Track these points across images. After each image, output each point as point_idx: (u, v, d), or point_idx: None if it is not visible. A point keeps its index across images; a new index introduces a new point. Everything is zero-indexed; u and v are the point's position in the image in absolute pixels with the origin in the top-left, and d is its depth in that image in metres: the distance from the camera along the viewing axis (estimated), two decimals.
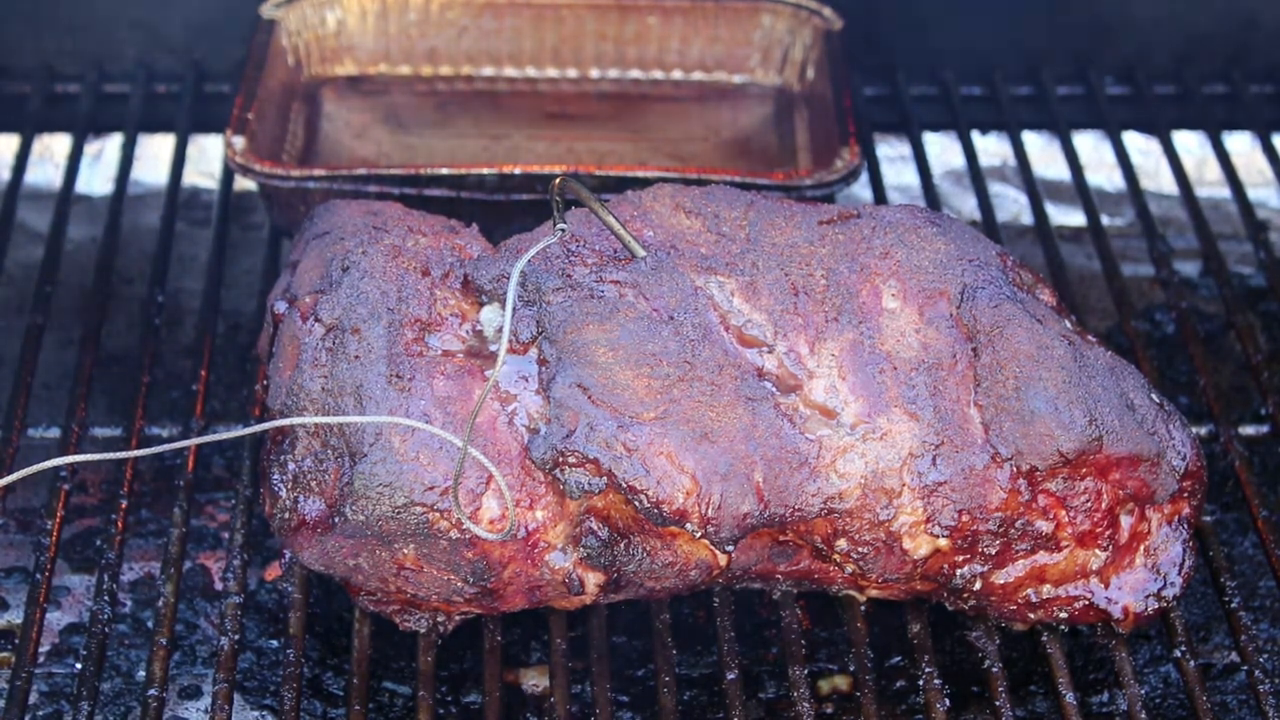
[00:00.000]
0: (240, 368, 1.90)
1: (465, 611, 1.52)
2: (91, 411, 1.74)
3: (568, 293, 1.47)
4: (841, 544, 1.45)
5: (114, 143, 2.15)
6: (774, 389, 1.44)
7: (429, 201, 1.79)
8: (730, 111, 2.09)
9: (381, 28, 2.09)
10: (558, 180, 1.50)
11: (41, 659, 1.60)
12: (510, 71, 2.12)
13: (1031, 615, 1.51)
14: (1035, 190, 2.01)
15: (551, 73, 2.12)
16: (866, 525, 1.43)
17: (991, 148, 2.24)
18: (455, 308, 1.50)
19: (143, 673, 1.57)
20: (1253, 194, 2.13)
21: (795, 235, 1.53)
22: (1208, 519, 1.64)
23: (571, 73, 2.12)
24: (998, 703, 1.49)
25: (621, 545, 1.43)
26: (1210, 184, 2.20)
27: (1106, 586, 1.50)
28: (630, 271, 1.49)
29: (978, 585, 1.48)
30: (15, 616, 1.63)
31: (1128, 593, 1.50)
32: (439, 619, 1.52)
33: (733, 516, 1.40)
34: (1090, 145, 2.22)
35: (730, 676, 1.51)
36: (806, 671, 1.51)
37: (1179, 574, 1.51)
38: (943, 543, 1.44)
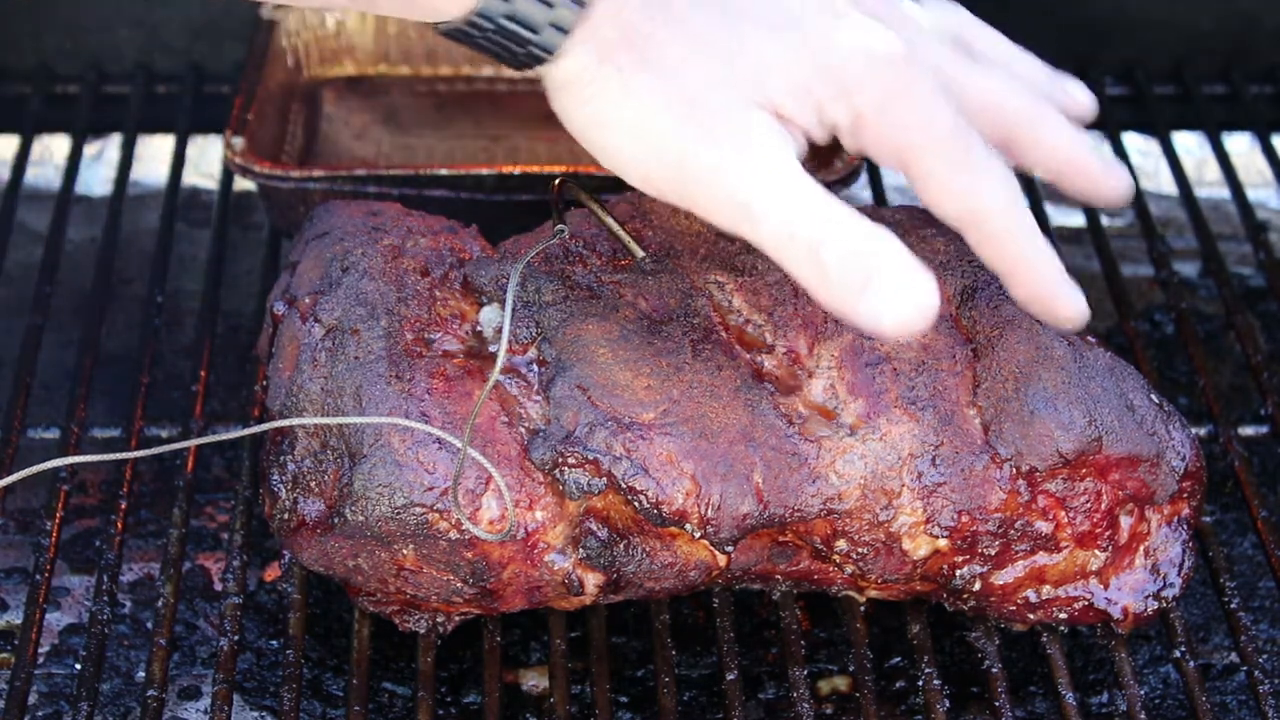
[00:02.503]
0: (240, 368, 1.90)
1: (465, 612, 1.52)
2: (91, 412, 1.74)
3: (567, 293, 1.47)
4: (841, 545, 1.45)
5: (114, 143, 2.15)
6: (773, 389, 1.44)
7: (429, 202, 1.79)
8: None
9: (381, 28, 2.09)
10: (557, 180, 1.49)
11: (41, 659, 1.60)
12: (510, 72, 2.11)
13: (1031, 616, 1.51)
14: (1035, 190, 2.01)
15: None
16: (866, 526, 1.43)
17: None
18: (455, 308, 1.50)
19: (142, 673, 1.57)
20: (1252, 194, 2.12)
21: None
22: (1207, 519, 1.63)
23: None
24: (998, 703, 1.49)
25: (621, 546, 1.43)
26: (1210, 184, 2.19)
27: (1106, 587, 1.50)
28: (630, 272, 1.49)
29: (977, 586, 1.48)
30: (15, 617, 1.63)
31: (1127, 593, 1.50)
32: (439, 619, 1.52)
33: (732, 517, 1.40)
34: None
35: (730, 677, 1.50)
36: (806, 672, 1.51)
37: (1178, 574, 1.51)
38: (942, 543, 1.44)
